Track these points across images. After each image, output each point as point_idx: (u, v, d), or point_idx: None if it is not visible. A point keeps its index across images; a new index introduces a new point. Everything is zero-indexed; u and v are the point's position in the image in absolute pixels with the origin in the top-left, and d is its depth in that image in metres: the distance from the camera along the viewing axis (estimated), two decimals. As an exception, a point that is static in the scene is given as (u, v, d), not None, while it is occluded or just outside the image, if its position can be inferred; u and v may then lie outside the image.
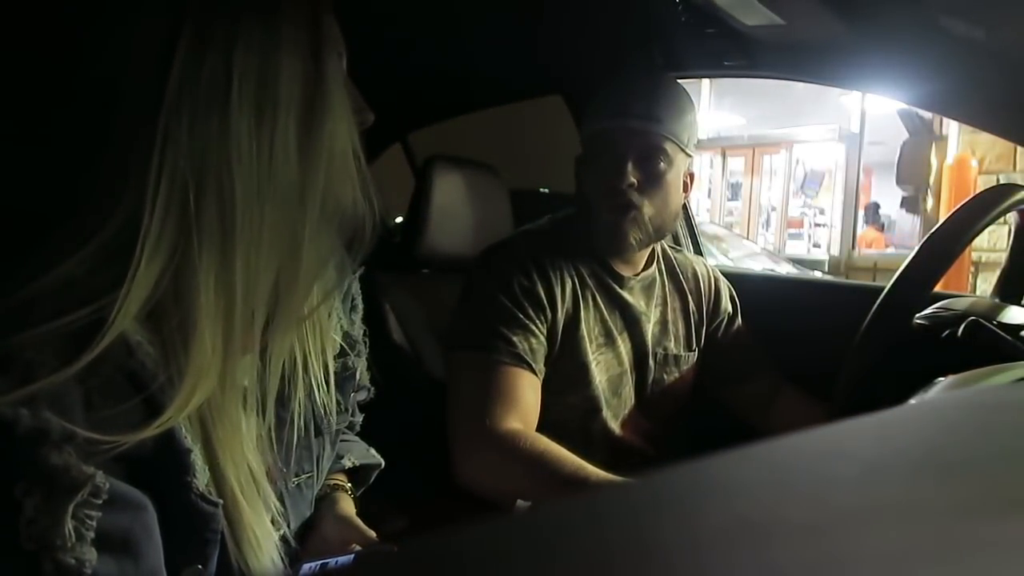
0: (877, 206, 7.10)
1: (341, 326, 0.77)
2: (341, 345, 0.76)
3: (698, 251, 1.70)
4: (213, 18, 0.56)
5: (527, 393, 1.07)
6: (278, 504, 0.66)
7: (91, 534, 0.49)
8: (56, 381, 0.49)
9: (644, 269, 1.23)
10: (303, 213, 0.60)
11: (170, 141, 0.54)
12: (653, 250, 1.25)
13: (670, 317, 1.25)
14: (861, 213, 7.17)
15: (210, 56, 0.55)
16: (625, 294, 1.20)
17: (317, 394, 0.71)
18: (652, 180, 1.12)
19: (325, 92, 0.60)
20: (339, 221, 0.64)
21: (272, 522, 0.64)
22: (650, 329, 1.22)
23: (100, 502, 0.49)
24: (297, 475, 0.72)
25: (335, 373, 0.74)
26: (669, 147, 1.12)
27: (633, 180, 1.10)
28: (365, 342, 0.81)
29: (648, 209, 1.12)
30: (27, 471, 0.47)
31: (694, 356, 1.27)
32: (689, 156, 1.17)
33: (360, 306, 0.82)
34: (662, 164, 1.12)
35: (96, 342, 0.51)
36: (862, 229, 7.10)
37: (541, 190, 2.55)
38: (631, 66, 1.26)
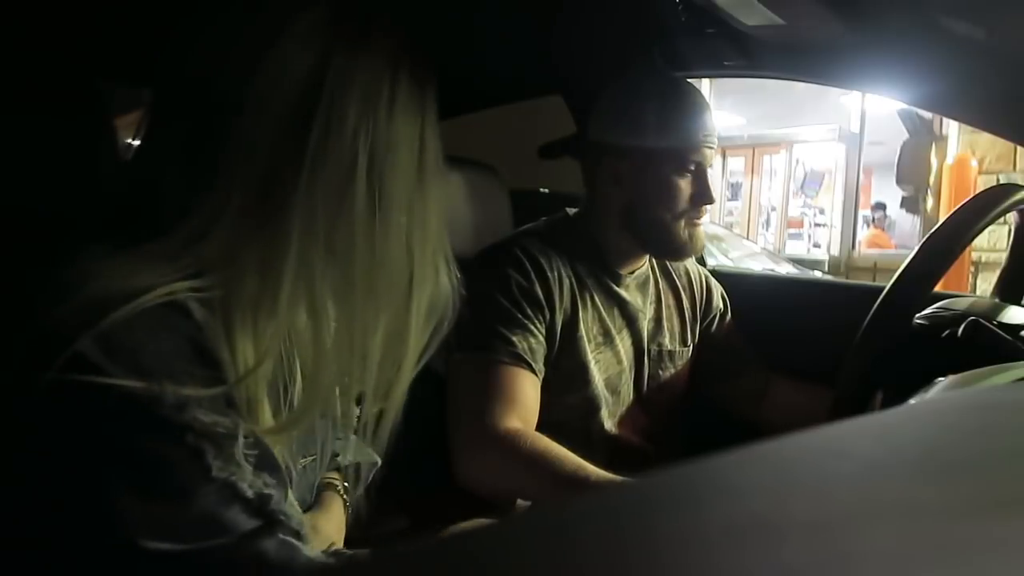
0: (883, 206, 7.08)
1: None
2: None
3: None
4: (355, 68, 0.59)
5: (527, 392, 1.07)
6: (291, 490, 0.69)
7: (252, 463, 0.55)
8: (166, 358, 0.52)
9: (639, 267, 1.24)
10: (409, 298, 0.64)
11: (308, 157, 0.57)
12: None
13: (664, 314, 1.25)
14: (863, 213, 7.16)
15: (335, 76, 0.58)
16: (622, 291, 1.20)
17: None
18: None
19: (428, 162, 0.63)
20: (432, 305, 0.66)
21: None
22: (646, 326, 1.22)
23: (252, 440, 0.55)
24: (304, 456, 0.74)
25: None
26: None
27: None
28: None
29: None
30: (187, 429, 0.51)
31: (689, 352, 1.28)
32: None
33: None
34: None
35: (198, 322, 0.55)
36: (866, 230, 7.09)
37: (541, 190, 2.54)
38: (661, 71, 1.27)
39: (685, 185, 1.15)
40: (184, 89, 0.59)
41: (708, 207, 1.19)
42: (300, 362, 0.66)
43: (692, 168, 1.15)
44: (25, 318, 0.51)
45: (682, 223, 1.17)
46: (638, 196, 1.17)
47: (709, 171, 1.18)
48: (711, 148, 1.17)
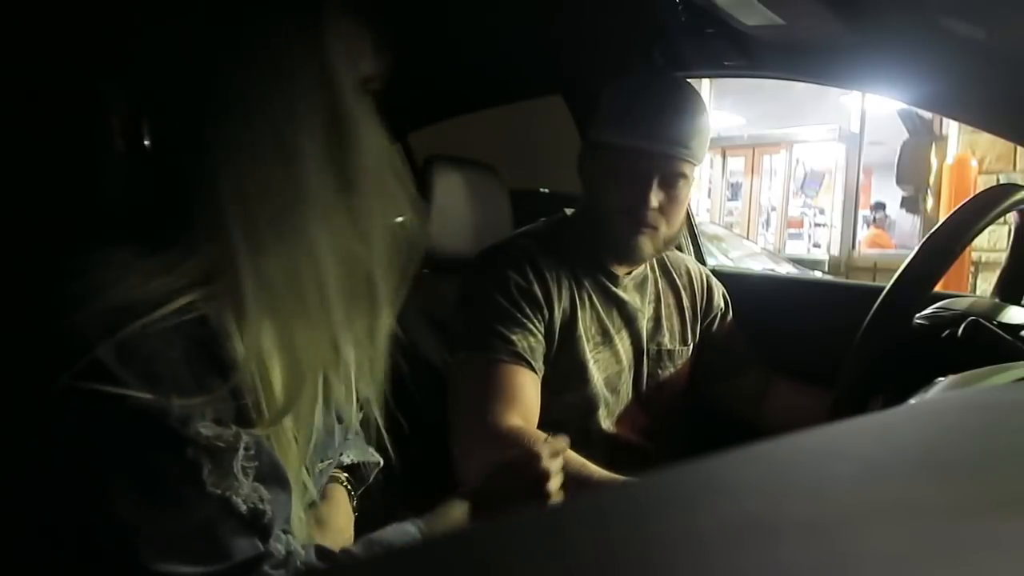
0: (883, 206, 7.08)
1: None
2: None
3: (698, 251, 1.70)
4: (252, 34, 0.58)
5: (528, 391, 1.07)
6: (313, 490, 0.71)
7: (252, 475, 0.56)
8: (179, 368, 0.53)
9: (637, 267, 1.24)
10: (348, 219, 0.62)
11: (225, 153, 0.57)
12: None
13: (664, 313, 1.25)
14: (863, 213, 7.16)
15: (249, 70, 0.58)
16: (620, 292, 1.20)
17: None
18: (672, 202, 1.13)
19: (343, 106, 0.62)
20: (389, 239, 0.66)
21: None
22: (644, 325, 1.22)
23: (253, 452, 0.56)
24: (322, 460, 0.75)
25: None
26: (689, 170, 1.14)
27: (656, 203, 1.11)
28: None
29: (663, 228, 1.14)
30: (189, 441, 0.53)
31: (688, 351, 1.28)
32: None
33: None
34: (681, 187, 1.13)
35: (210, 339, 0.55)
36: (866, 230, 7.09)
37: (541, 190, 2.55)
38: (648, 71, 1.26)
39: (623, 184, 1.11)
40: (161, 94, 0.60)
41: (651, 213, 1.11)
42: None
43: (626, 169, 1.11)
44: (36, 322, 0.52)
45: (621, 223, 1.13)
46: (589, 188, 1.19)
47: (670, 178, 1.11)
48: (665, 154, 1.10)
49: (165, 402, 0.52)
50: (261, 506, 0.56)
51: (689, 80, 1.22)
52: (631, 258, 1.17)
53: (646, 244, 1.14)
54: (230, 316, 0.57)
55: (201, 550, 0.53)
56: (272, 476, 0.58)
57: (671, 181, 1.12)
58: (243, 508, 0.55)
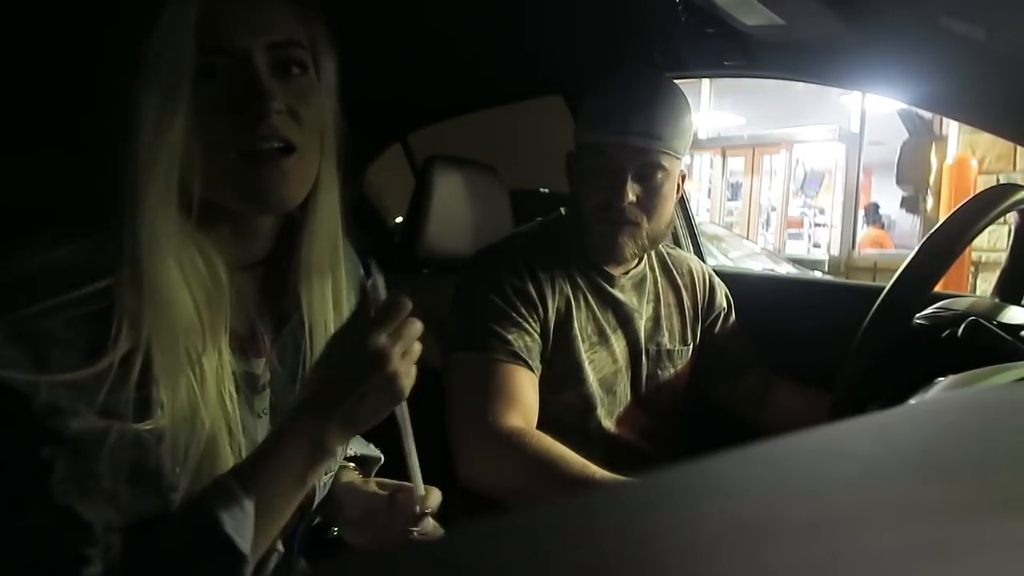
0: (876, 207, 7.09)
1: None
2: None
3: (698, 251, 1.70)
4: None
5: (526, 390, 1.07)
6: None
7: (123, 474, 0.54)
8: (66, 352, 0.53)
9: (635, 267, 1.24)
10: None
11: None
12: None
13: (663, 312, 1.25)
14: (861, 213, 7.16)
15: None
16: (616, 292, 1.20)
17: None
18: (650, 196, 1.12)
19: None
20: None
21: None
22: (643, 325, 1.22)
23: (126, 444, 0.54)
24: (326, 473, 0.75)
25: None
26: (667, 161, 1.12)
27: (633, 198, 1.10)
28: None
29: (645, 223, 1.13)
30: (50, 438, 0.52)
31: (689, 351, 1.28)
32: (682, 159, 1.17)
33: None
34: (660, 179, 1.12)
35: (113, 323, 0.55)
36: (864, 229, 7.10)
37: (541, 190, 2.55)
38: (627, 69, 1.26)
39: (597, 180, 1.12)
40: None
41: (625, 208, 1.10)
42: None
43: (605, 164, 1.11)
44: None
45: (597, 221, 1.13)
46: (572, 189, 1.20)
47: (647, 171, 1.10)
48: (640, 147, 1.09)
49: (36, 387, 0.51)
50: (115, 511, 0.54)
51: (689, 80, 1.22)
52: (613, 256, 1.16)
53: (627, 242, 1.13)
54: (131, 305, 0.57)
55: (17, 553, 0.52)
56: (146, 476, 0.57)
57: (646, 173, 1.11)
58: (86, 517, 0.53)
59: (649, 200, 1.12)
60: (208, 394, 0.61)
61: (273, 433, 0.63)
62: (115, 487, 0.54)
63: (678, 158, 1.14)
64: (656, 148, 1.10)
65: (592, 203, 1.13)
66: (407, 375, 0.63)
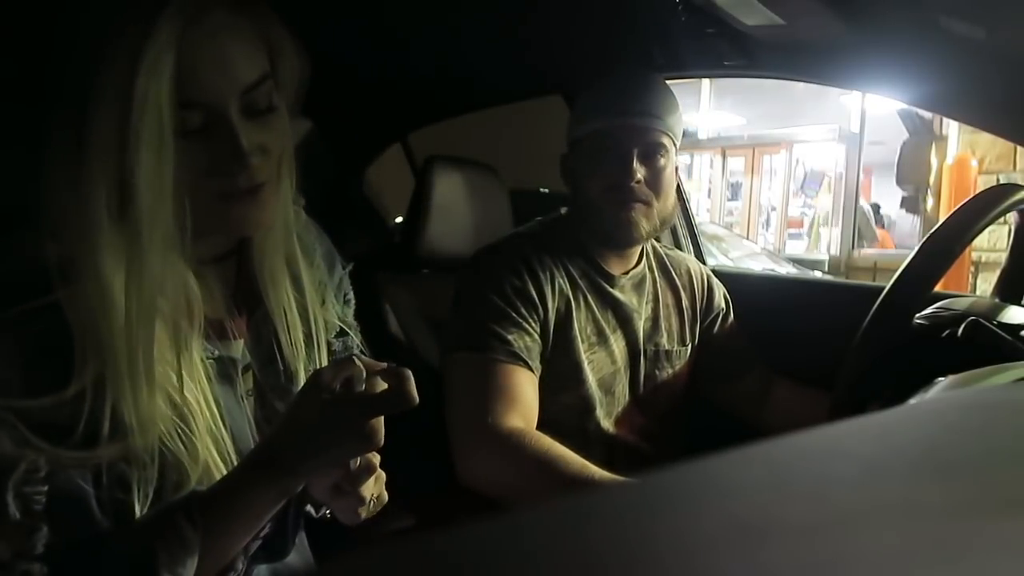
0: (877, 207, 7.09)
1: (336, 312, 0.81)
2: (340, 326, 0.81)
3: (698, 251, 1.70)
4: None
5: (526, 390, 1.07)
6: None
7: (38, 508, 0.53)
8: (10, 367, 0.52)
9: (634, 267, 1.24)
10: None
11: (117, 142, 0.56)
12: (643, 247, 1.26)
13: (662, 313, 1.25)
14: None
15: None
16: (616, 292, 1.20)
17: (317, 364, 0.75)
18: (656, 175, 1.15)
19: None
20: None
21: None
22: (641, 326, 1.22)
23: (40, 476, 0.52)
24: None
25: (335, 352, 0.79)
26: (667, 142, 1.16)
27: (640, 177, 1.13)
28: (356, 335, 0.84)
29: (654, 202, 1.16)
30: None
31: (687, 351, 1.28)
32: (678, 146, 1.21)
33: (352, 301, 0.85)
34: (662, 159, 1.15)
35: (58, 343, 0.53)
36: (866, 229, 7.10)
37: (541, 190, 2.55)
38: (622, 66, 1.27)
39: (603, 164, 1.14)
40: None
41: (634, 186, 1.12)
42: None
43: (609, 146, 1.13)
44: None
45: (607, 204, 1.14)
46: (576, 183, 1.20)
47: (649, 149, 1.14)
48: (641, 127, 1.13)
49: None
50: (34, 550, 0.53)
51: (689, 80, 1.22)
52: (630, 237, 1.16)
53: (640, 220, 1.15)
54: (85, 322, 0.56)
55: None
56: (70, 510, 0.55)
57: (651, 152, 1.14)
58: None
59: (655, 179, 1.15)
60: (187, 393, 0.61)
61: (237, 471, 0.62)
62: (29, 521, 0.53)
63: (675, 143, 1.18)
64: (657, 128, 1.14)
65: (600, 187, 1.15)
66: (380, 428, 0.61)
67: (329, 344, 0.78)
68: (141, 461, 0.58)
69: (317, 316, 0.76)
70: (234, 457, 0.66)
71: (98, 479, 0.57)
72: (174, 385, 0.61)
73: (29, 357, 0.54)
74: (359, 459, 0.66)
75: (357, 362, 0.60)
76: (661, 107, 1.15)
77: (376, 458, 0.69)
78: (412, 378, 0.59)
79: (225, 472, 0.63)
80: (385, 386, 0.59)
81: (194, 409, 0.62)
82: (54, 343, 0.54)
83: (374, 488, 0.70)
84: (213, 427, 0.64)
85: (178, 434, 0.60)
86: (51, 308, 0.54)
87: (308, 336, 0.75)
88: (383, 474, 0.72)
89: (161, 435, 0.59)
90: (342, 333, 0.81)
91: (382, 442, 0.60)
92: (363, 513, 0.70)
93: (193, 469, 0.61)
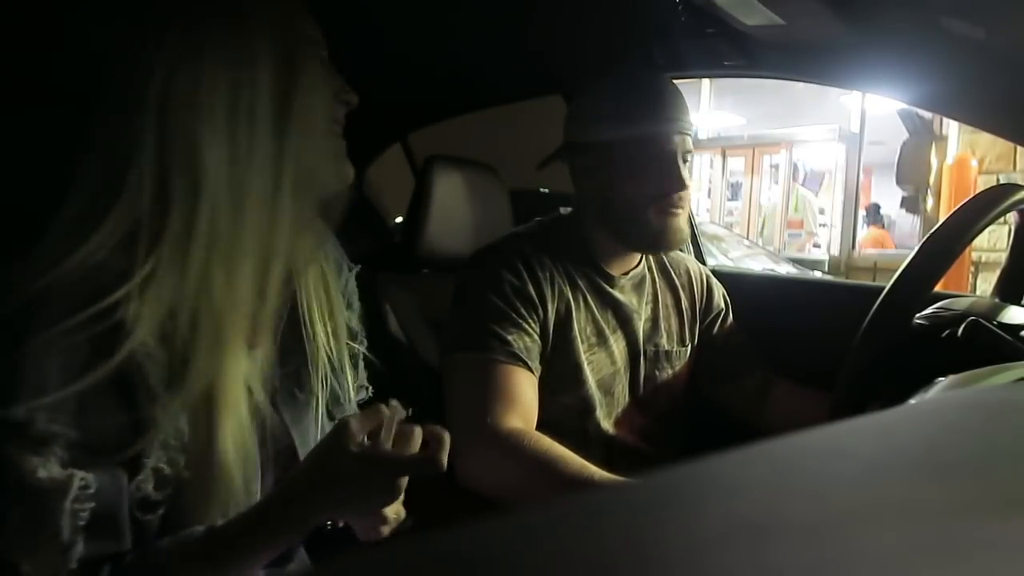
0: (878, 207, 7.09)
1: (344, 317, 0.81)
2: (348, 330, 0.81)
3: (698, 251, 1.70)
4: (190, 26, 0.58)
5: (526, 391, 1.07)
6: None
7: (82, 524, 0.53)
8: (61, 394, 0.52)
9: (634, 267, 1.23)
10: (280, 194, 0.62)
11: (159, 134, 0.57)
12: None
13: (662, 313, 1.25)
14: (862, 213, 7.16)
15: (188, 48, 0.58)
16: (616, 293, 1.20)
17: (332, 377, 0.75)
18: (687, 181, 1.17)
19: (296, 78, 0.62)
20: (313, 202, 0.66)
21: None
22: (641, 326, 1.22)
23: (89, 493, 0.53)
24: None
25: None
26: (692, 148, 1.18)
27: (687, 184, 1.15)
28: (362, 340, 0.83)
29: (688, 207, 1.19)
30: (12, 486, 0.50)
31: (687, 352, 1.28)
32: None
33: (356, 305, 0.84)
34: (690, 164, 1.18)
35: (117, 352, 0.54)
36: (864, 229, 7.10)
37: (541, 190, 2.55)
38: (622, 66, 1.26)
39: (649, 172, 1.13)
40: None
41: (682, 194, 1.15)
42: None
43: (655, 154, 1.13)
44: None
45: (652, 212, 1.14)
46: (606, 188, 1.17)
47: (685, 156, 1.15)
48: (679, 134, 1.14)
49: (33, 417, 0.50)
50: (68, 565, 0.53)
51: (689, 80, 1.22)
52: (674, 242, 1.18)
53: (684, 226, 1.18)
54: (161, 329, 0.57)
55: None
56: (105, 527, 0.56)
57: (686, 159, 1.17)
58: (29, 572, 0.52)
59: (687, 185, 1.17)
60: (232, 397, 0.61)
61: (255, 510, 0.62)
62: (72, 537, 0.53)
63: None
64: (690, 135, 1.17)
65: (643, 194, 1.14)
66: (405, 482, 0.61)
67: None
68: (171, 482, 0.59)
69: (338, 315, 0.76)
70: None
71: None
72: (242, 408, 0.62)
73: (87, 377, 0.53)
74: None
75: (385, 411, 0.60)
76: (688, 113, 1.17)
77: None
78: (448, 443, 0.59)
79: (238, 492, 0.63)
80: (413, 439, 0.59)
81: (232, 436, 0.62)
82: (116, 365, 0.54)
83: (395, 506, 0.71)
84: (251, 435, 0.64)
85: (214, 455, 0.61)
86: (106, 316, 0.54)
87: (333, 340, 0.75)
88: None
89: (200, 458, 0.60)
90: (350, 339, 0.81)
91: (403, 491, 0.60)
92: (385, 531, 0.70)
93: (215, 491, 0.61)
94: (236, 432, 0.62)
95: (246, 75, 0.59)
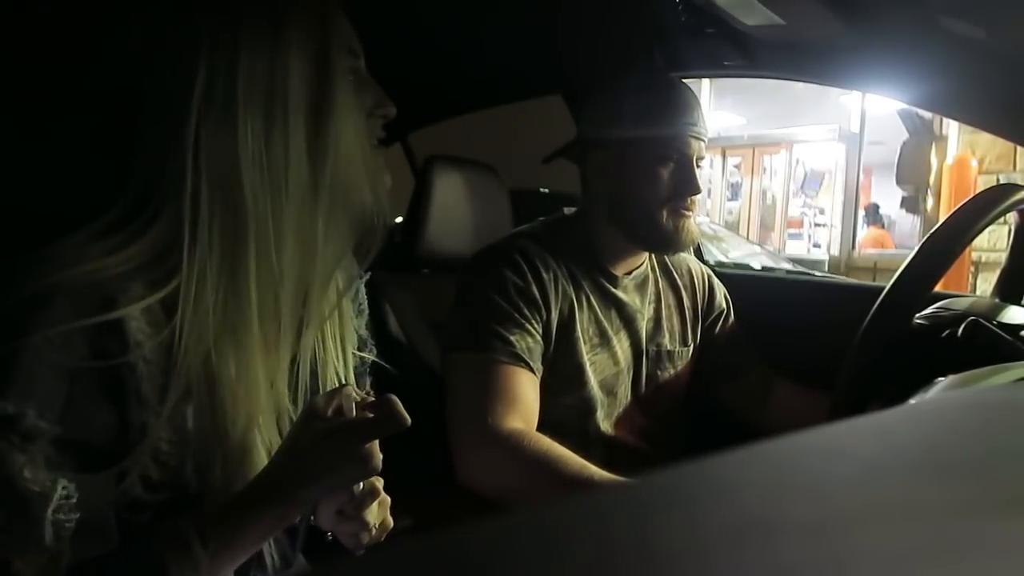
0: (877, 207, 7.09)
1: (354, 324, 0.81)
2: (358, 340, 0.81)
3: (698, 251, 1.70)
4: (223, 26, 0.58)
5: (527, 392, 1.07)
6: None
7: (66, 534, 0.53)
8: (52, 390, 0.52)
9: (637, 267, 1.23)
10: (316, 211, 0.63)
11: (195, 147, 0.58)
12: None
13: (664, 313, 1.25)
14: (862, 213, 7.16)
15: (221, 64, 0.58)
16: (619, 293, 1.20)
17: (338, 383, 0.75)
18: (701, 184, 1.19)
19: (331, 92, 0.62)
20: (351, 219, 0.66)
21: None
22: (644, 326, 1.22)
23: (72, 503, 0.53)
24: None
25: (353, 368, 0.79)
26: (705, 153, 1.20)
27: (700, 187, 1.17)
28: (371, 348, 0.83)
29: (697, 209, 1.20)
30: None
31: (689, 352, 1.28)
32: None
33: (366, 311, 0.85)
34: (702, 167, 1.19)
35: (115, 358, 0.54)
36: (864, 229, 7.09)
37: (541, 190, 2.54)
38: (622, 66, 1.26)
39: (666, 174, 1.14)
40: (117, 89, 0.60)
41: (694, 197, 1.16)
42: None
43: (673, 157, 1.14)
44: None
45: (666, 213, 1.15)
46: (620, 187, 1.17)
47: (699, 161, 1.17)
48: (695, 138, 1.16)
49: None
50: (56, 567, 0.53)
51: (689, 80, 1.23)
52: (687, 245, 1.20)
53: (695, 226, 1.19)
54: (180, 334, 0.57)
55: None
56: (91, 531, 0.56)
57: (699, 163, 1.18)
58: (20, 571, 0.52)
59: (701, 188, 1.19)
60: (257, 392, 0.63)
61: (240, 496, 0.62)
62: (58, 546, 0.53)
63: None
64: (705, 140, 1.18)
65: (659, 195, 1.15)
66: (375, 452, 0.62)
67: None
68: (163, 487, 0.59)
69: (347, 326, 0.77)
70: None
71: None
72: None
73: (79, 380, 0.54)
74: (362, 484, 0.67)
75: (348, 389, 0.62)
76: (704, 118, 1.18)
77: (379, 482, 0.70)
78: (399, 402, 0.61)
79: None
80: (376, 409, 0.61)
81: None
82: (111, 367, 0.55)
83: (378, 514, 0.71)
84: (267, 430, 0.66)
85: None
86: (111, 326, 0.54)
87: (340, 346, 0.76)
88: (387, 500, 0.73)
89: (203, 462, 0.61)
90: (360, 346, 0.81)
91: (380, 467, 0.61)
92: (366, 538, 0.71)
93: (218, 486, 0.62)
94: (265, 429, 0.64)
95: (280, 83, 0.60)
